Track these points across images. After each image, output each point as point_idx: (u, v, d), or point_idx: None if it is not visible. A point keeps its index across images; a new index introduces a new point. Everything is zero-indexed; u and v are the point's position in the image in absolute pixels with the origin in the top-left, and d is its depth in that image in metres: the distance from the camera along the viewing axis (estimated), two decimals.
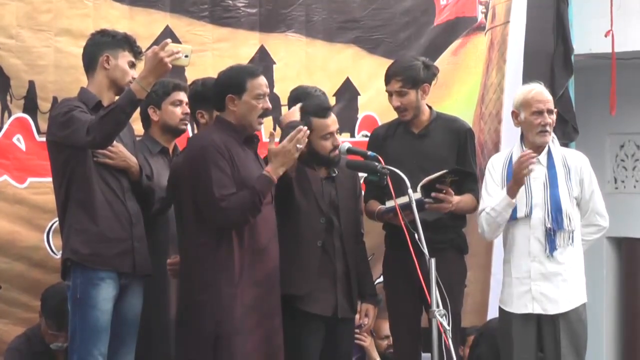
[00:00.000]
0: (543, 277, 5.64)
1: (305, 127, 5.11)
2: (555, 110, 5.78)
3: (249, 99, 5.14)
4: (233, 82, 5.16)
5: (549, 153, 5.72)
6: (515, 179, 5.58)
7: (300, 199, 5.43)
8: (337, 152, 5.49)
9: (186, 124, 5.66)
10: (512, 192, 5.61)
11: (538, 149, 5.70)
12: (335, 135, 5.51)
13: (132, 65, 5.16)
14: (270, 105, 5.20)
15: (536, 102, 5.71)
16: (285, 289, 5.31)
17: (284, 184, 5.29)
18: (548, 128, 5.68)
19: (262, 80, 5.19)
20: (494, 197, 5.70)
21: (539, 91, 5.77)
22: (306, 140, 5.11)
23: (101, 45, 5.14)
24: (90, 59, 5.17)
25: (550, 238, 5.63)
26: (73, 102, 5.07)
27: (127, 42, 5.17)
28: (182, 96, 5.62)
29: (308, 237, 5.45)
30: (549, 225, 5.62)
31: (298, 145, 5.06)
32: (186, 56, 4.95)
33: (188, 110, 5.63)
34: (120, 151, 5.10)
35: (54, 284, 5.52)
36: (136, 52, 5.18)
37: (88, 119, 4.91)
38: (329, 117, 5.49)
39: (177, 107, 5.62)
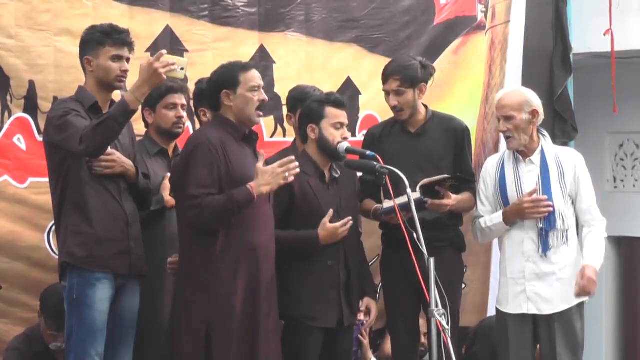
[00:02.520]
0: (537, 277, 5.64)
1: (297, 163, 5.10)
2: (533, 109, 5.67)
3: (243, 92, 5.14)
4: (226, 77, 5.18)
5: (542, 153, 5.71)
6: (514, 215, 5.61)
7: (310, 221, 5.43)
8: None
9: (181, 127, 5.63)
10: (507, 221, 5.65)
11: (526, 149, 5.71)
12: (345, 129, 5.53)
13: (118, 58, 5.08)
14: (266, 97, 5.21)
15: (495, 109, 5.74)
16: (296, 310, 5.37)
17: (293, 205, 5.39)
18: (509, 134, 5.67)
19: (255, 73, 5.21)
20: (487, 206, 5.74)
21: (500, 97, 5.75)
22: (297, 171, 5.07)
23: (83, 48, 5.14)
24: (80, 61, 5.18)
25: (543, 238, 5.63)
26: (69, 105, 5.05)
27: (106, 36, 5.10)
28: (177, 99, 5.59)
29: (319, 258, 5.45)
30: (540, 226, 5.62)
31: (287, 174, 5.03)
32: (182, 69, 4.96)
33: (182, 114, 5.60)
34: (117, 158, 5.08)
35: (53, 284, 5.52)
36: (119, 42, 5.08)
37: (82, 126, 4.90)
38: (343, 109, 5.54)
39: (171, 111, 5.59)
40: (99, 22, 5.61)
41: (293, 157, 5.12)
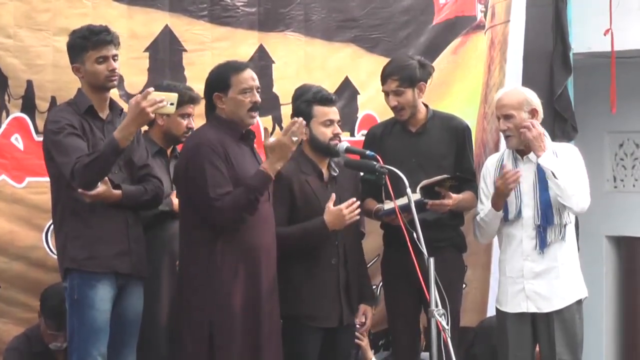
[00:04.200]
0: (536, 276, 5.66)
1: (301, 119, 5.10)
2: (533, 108, 5.70)
3: (234, 95, 5.14)
4: (218, 80, 5.18)
5: None
6: (498, 193, 5.62)
7: (310, 219, 5.41)
8: (337, 141, 5.49)
9: (187, 136, 5.63)
10: (496, 205, 5.66)
11: (525, 147, 5.70)
12: (337, 125, 5.51)
13: (103, 59, 5.06)
14: (259, 99, 5.19)
15: (495, 109, 5.74)
16: (299, 309, 5.37)
17: (293, 205, 5.39)
18: (508, 133, 5.69)
19: (248, 74, 5.18)
20: (486, 204, 5.76)
21: (499, 97, 5.79)
22: (303, 132, 5.09)
23: (70, 56, 5.14)
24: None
25: (541, 235, 5.64)
26: (64, 118, 5.01)
27: (86, 40, 5.08)
28: (191, 109, 5.59)
29: (323, 257, 5.45)
30: (538, 223, 5.64)
31: (294, 138, 5.03)
32: (172, 104, 4.96)
33: (193, 125, 5.59)
34: (103, 199, 5.02)
35: (53, 284, 5.51)
36: (99, 44, 5.05)
37: (74, 155, 4.88)
38: (331, 106, 5.51)
39: (185, 119, 5.59)
40: (98, 22, 5.60)
41: (296, 118, 5.10)
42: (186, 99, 5.54)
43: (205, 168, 5.01)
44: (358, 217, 5.39)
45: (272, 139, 5.14)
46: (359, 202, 5.37)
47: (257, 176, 5.03)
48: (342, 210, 5.32)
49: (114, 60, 5.08)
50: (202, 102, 5.57)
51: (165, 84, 5.60)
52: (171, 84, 5.63)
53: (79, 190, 4.93)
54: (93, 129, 5.06)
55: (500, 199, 5.63)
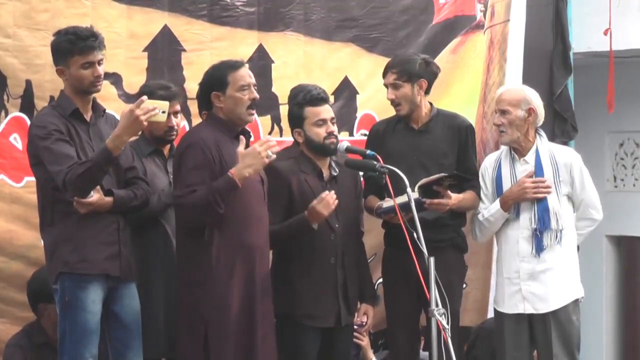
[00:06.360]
0: (532, 277, 5.65)
1: (274, 141, 5.09)
2: (530, 107, 5.71)
3: (232, 93, 5.14)
4: (215, 78, 5.18)
5: (537, 152, 5.72)
6: (514, 197, 5.61)
7: None
8: (333, 139, 5.49)
9: (173, 134, 5.58)
10: (506, 206, 5.65)
11: (521, 147, 5.70)
12: (330, 123, 5.50)
13: (88, 64, 5.03)
14: (257, 95, 5.19)
15: (495, 103, 5.77)
16: (297, 308, 5.36)
17: (291, 203, 5.38)
18: (502, 128, 5.70)
19: (244, 71, 5.18)
20: (486, 203, 5.74)
21: (501, 92, 5.81)
22: (277, 148, 5.07)
23: (54, 58, 5.12)
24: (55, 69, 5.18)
25: (538, 238, 5.64)
26: (51, 123, 4.99)
27: (72, 45, 5.04)
28: (170, 107, 5.49)
29: (321, 256, 5.44)
30: (534, 226, 5.63)
31: (269, 151, 5.02)
32: (163, 112, 4.97)
33: (173, 123, 5.55)
34: (95, 208, 5.02)
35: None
36: (85, 50, 5.01)
37: (65, 166, 4.87)
38: (322, 105, 5.50)
39: None
40: (98, 22, 5.66)
41: (269, 136, 5.08)
42: (156, 98, 5.48)
43: (184, 167, 5.03)
44: (333, 207, 5.30)
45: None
46: (333, 192, 5.32)
47: (222, 179, 5.00)
48: (314, 205, 5.27)
49: (99, 64, 5.06)
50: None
51: (142, 86, 5.61)
52: (147, 84, 5.65)
53: (75, 200, 4.94)
54: (79, 132, 5.05)
55: (512, 202, 5.63)
